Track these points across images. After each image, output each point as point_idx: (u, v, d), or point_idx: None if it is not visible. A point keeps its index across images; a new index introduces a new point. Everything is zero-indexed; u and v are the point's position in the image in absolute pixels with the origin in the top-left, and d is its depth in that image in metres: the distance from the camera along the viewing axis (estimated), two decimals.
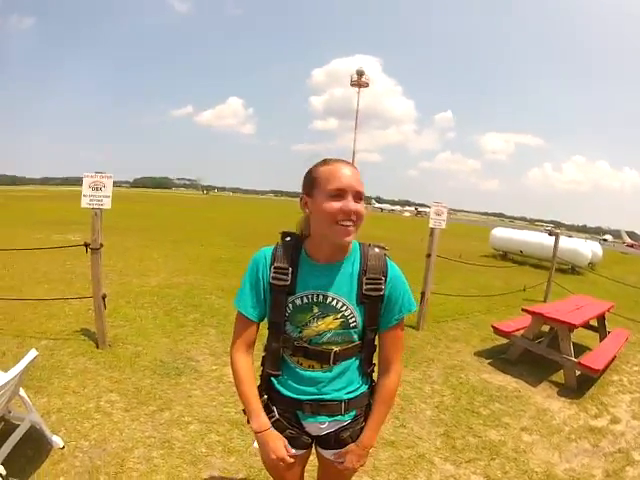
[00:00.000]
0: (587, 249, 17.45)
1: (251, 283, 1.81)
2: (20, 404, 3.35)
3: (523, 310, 6.40)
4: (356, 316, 1.76)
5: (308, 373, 1.82)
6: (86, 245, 5.11)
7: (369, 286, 1.75)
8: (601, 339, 6.91)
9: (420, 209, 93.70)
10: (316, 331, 1.77)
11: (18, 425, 3.19)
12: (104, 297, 5.22)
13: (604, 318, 7.06)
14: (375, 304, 1.78)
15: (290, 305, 1.76)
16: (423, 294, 7.23)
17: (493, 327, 6.51)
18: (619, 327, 7.66)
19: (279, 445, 1.81)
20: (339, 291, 1.75)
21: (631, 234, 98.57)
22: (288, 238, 1.83)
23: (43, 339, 5.36)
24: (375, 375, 1.98)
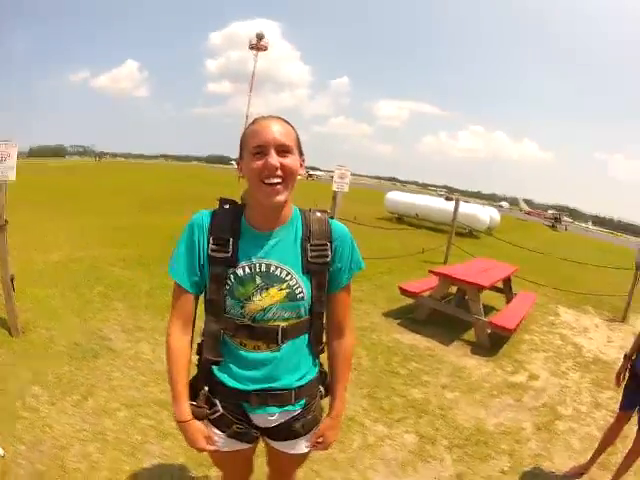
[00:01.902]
0: (485, 214, 18.50)
1: (187, 250, 1.69)
2: None
3: (430, 272, 6.68)
4: (302, 286, 1.68)
5: (253, 355, 1.70)
6: None
7: (314, 253, 1.69)
8: (508, 301, 7.37)
9: (311, 172, 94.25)
10: (260, 305, 1.65)
11: None
12: (12, 279, 4.80)
13: (510, 280, 7.54)
14: (322, 272, 1.73)
15: (231, 277, 1.64)
16: None
17: (400, 288, 6.68)
18: (524, 290, 8.13)
19: (197, 437, 1.72)
20: (283, 260, 1.66)
21: (528, 202, 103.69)
22: (227, 206, 1.72)
23: None
24: (323, 357, 1.92)
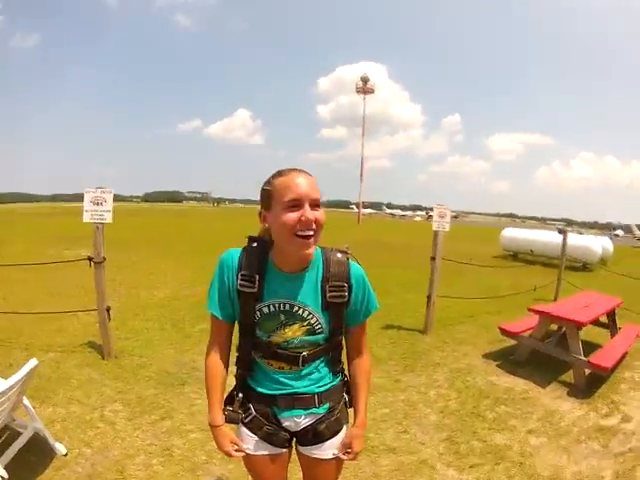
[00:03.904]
0: (598, 245, 17.39)
1: (219, 286, 1.84)
2: (25, 413, 3.44)
3: (529, 310, 6.33)
4: (322, 322, 1.81)
5: (278, 374, 1.87)
6: (89, 259, 5.25)
7: (333, 293, 1.79)
8: (612, 336, 6.82)
9: (431, 213, 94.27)
10: (284, 338, 1.81)
11: (22, 433, 3.27)
12: (108, 309, 5.37)
13: (614, 314, 6.97)
14: (340, 310, 1.83)
15: (258, 312, 1.79)
16: (429, 297, 7.19)
17: (500, 328, 6.42)
18: (631, 323, 7.54)
19: (224, 442, 1.88)
20: (304, 300, 1.78)
21: None
22: (255, 244, 1.83)
23: (50, 352, 5.48)
24: (346, 370, 2.06)
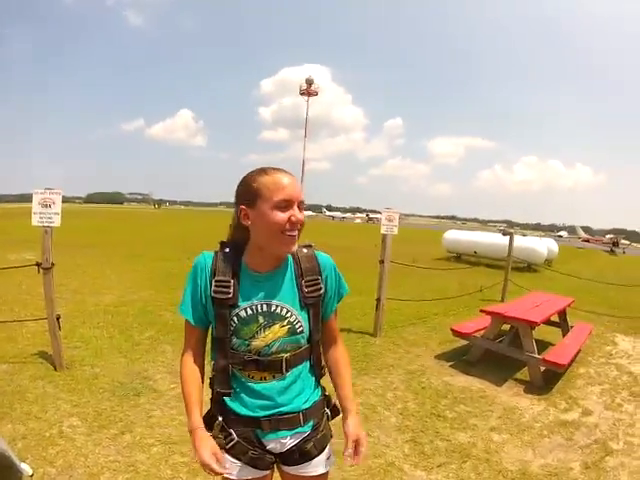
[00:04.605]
0: (543, 246, 17.97)
1: (192, 290, 1.83)
2: None
3: (481, 311, 6.50)
4: (301, 321, 1.81)
5: (261, 385, 1.80)
6: (37, 265, 5.04)
7: (310, 288, 1.82)
8: (564, 334, 7.06)
9: (371, 215, 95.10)
10: (264, 342, 1.77)
11: None
12: (58, 318, 5.18)
13: (565, 313, 7.25)
14: (318, 304, 1.85)
15: (235, 318, 1.76)
16: (378, 300, 7.24)
17: (452, 329, 6.53)
18: (581, 321, 7.85)
19: (204, 450, 1.67)
20: (282, 298, 1.79)
21: (586, 229, 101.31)
22: (227, 249, 1.83)
23: (3, 363, 5.27)
24: (323, 380, 2.01)
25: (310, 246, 1.91)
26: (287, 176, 1.70)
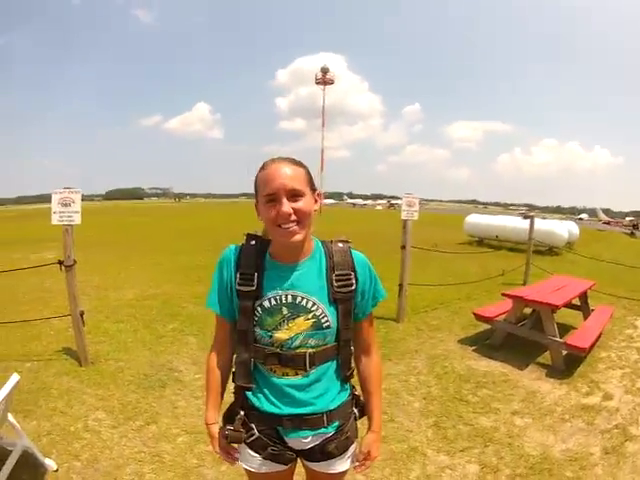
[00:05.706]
0: (563, 229, 17.72)
1: (219, 283, 1.82)
2: (11, 430, 3.32)
3: (503, 295, 6.49)
4: (328, 315, 1.74)
5: (283, 381, 1.77)
6: (60, 263, 5.10)
7: (340, 283, 1.75)
8: (585, 317, 7.01)
9: (392, 201, 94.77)
10: (287, 334, 1.73)
11: (11, 451, 3.17)
12: (82, 314, 5.25)
13: (586, 296, 7.19)
14: (348, 300, 1.78)
15: (258, 309, 1.73)
16: (401, 286, 7.28)
17: (474, 313, 6.57)
18: (602, 304, 7.80)
19: (218, 441, 1.86)
20: (308, 290, 1.73)
21: (606, 211, 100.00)
22: (253, 242, 1.81)
23: (27, 361, 5.35)
24: (354, 381, 1.97)
25: (347, 242, 1.85)
26: (279, 167, 1.63)
